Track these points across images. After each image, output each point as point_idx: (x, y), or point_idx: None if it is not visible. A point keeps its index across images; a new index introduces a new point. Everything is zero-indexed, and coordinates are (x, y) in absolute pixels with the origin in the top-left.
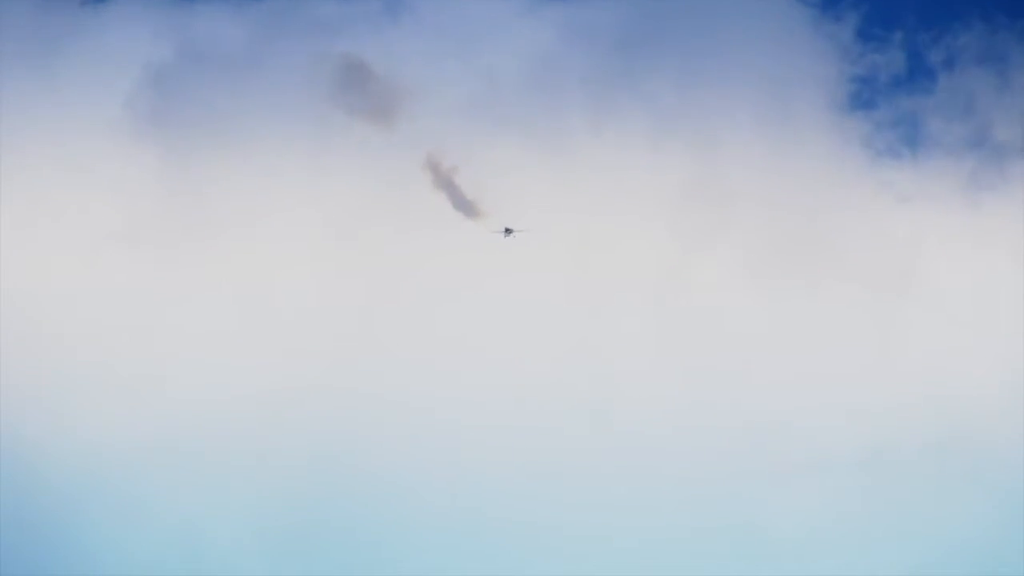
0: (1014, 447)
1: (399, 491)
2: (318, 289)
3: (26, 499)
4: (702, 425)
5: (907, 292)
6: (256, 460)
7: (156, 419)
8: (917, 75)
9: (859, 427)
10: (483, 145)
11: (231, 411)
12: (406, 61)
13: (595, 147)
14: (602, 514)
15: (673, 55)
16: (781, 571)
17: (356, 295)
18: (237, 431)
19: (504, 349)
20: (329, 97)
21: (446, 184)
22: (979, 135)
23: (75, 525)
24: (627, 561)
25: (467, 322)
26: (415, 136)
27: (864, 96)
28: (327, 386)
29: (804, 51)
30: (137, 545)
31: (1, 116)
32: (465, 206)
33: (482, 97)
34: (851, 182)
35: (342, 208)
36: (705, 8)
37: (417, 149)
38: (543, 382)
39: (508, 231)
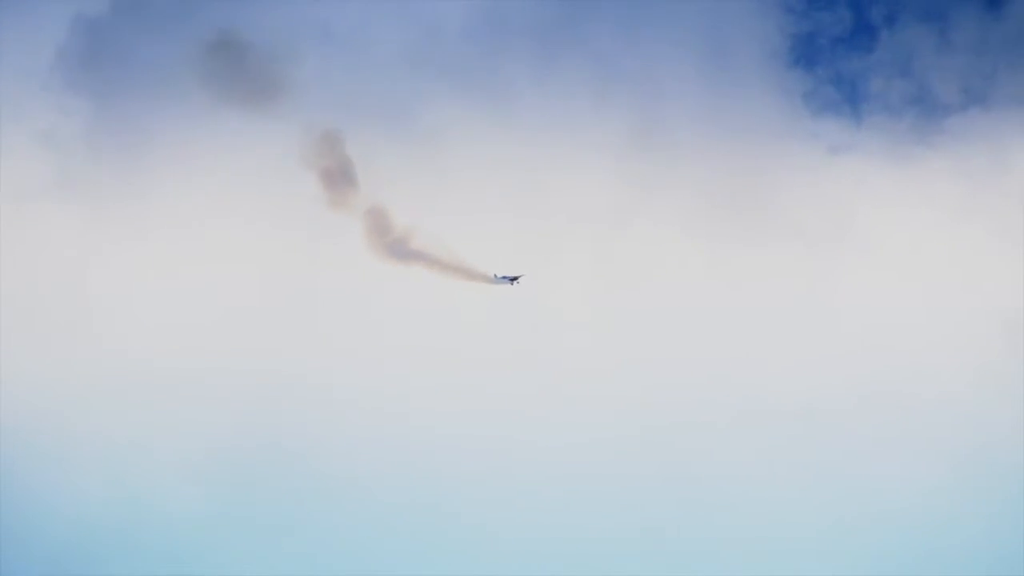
0: (946, 399)
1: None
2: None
3: None
4: (638, 375)
5: (843, 245)
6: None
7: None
8: (859, 33)
9: (795, 379)
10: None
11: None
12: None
13: (537, 98)
14: (542, 465)
15: (617, 7)
16: (718, 519)
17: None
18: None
19: (444, 296)
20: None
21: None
22: (918, 92)
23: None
24: (568, 510)
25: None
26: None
27: (806, 53)
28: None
29: (748, 7)
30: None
31: None
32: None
33: (423, 50)
34: (790, 137)
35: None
36: None
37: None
38: (482, 328)
39: (511, 279)
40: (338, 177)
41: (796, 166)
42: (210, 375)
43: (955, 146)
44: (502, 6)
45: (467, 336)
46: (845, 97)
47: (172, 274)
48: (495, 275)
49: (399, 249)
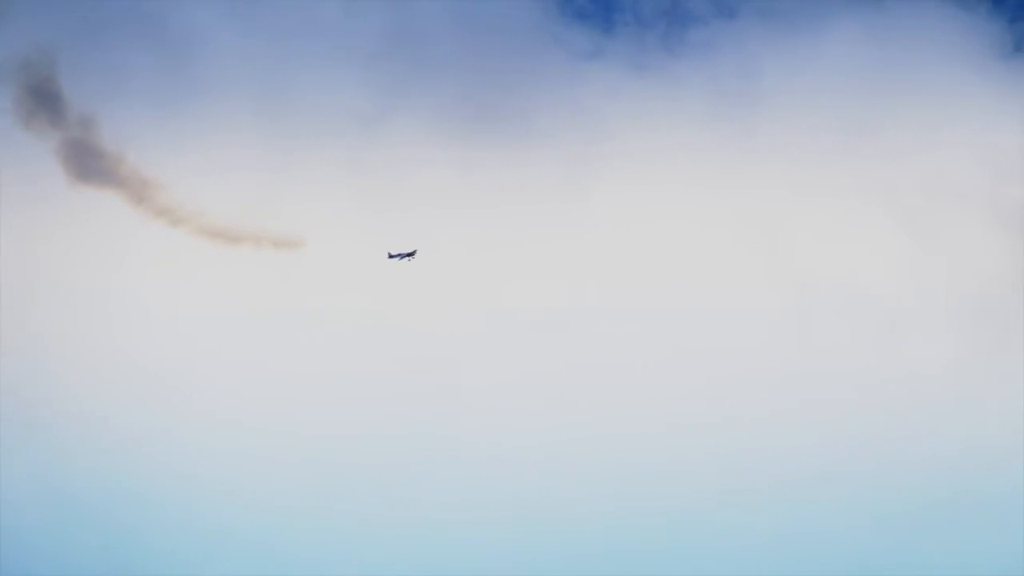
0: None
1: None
2: None
3: None
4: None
5: (596, 154)
6: None
7: None
8: None
9: (545, 289)
10: None
11: None
12: None
13: (287, 0)
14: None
15: None
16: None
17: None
18: None
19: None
20: None
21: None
22: (669, 3)
23: None
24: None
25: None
26: None
27: None
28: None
29: None
30: None
31: None
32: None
33: None
34: (543, 43)
35: None
36: None
37: None
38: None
39: (406, 255)
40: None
41: (548, 73)
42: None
43: (702, 57)
44: None
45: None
46: (598, 5)
47: None
48: (388, 253)
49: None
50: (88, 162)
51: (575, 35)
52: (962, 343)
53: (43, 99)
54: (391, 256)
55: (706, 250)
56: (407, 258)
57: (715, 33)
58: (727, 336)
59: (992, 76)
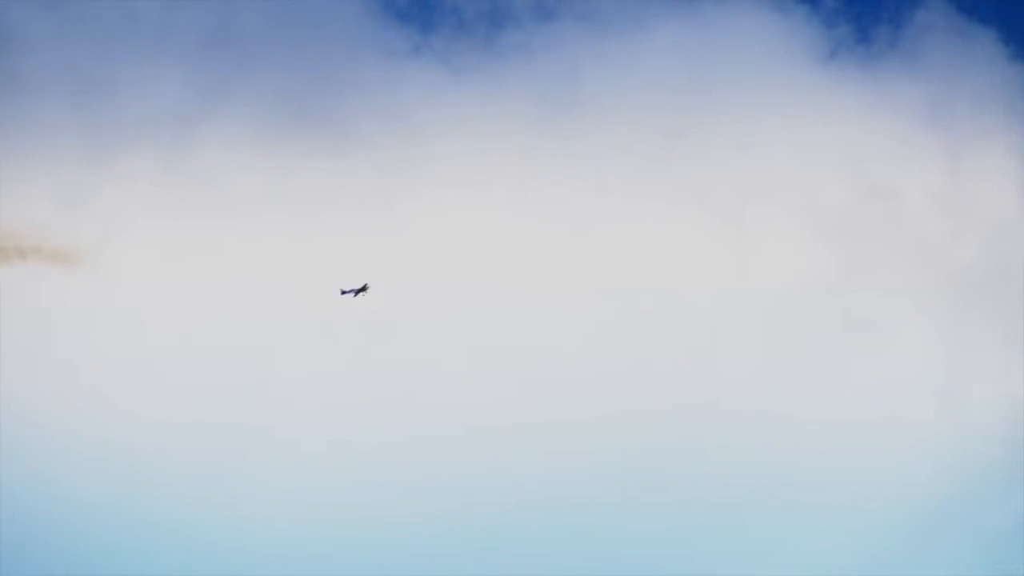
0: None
1: None
2: None
3: None
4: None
5: (416, 159)
6: None
7: None
8: None
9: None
10: None
11: None
12: None
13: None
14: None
15: None
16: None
17: None
18: None
19: None
20: None
21: None
22: (491, 6)
23: None
24: None
25: None
26: None
27: None
28: None
29: None
30: None
31: None
32: None
33: None
34: (364, 46)
35: None
36: None
37: None
38: None
39: (357, 291)
40: None
41: (369, 74)
42: None
43: (522, 60)
44: None
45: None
46: (418, 6)
47: None
48: (340, 289)
49: None
50: None
51: (395, 35)
52: (776, 346)
53: None
54: (343, 292)
55: (526, 253)
56: (359, 294)
57: (533, 36)
58: (547, 339)
59: (809, 81)
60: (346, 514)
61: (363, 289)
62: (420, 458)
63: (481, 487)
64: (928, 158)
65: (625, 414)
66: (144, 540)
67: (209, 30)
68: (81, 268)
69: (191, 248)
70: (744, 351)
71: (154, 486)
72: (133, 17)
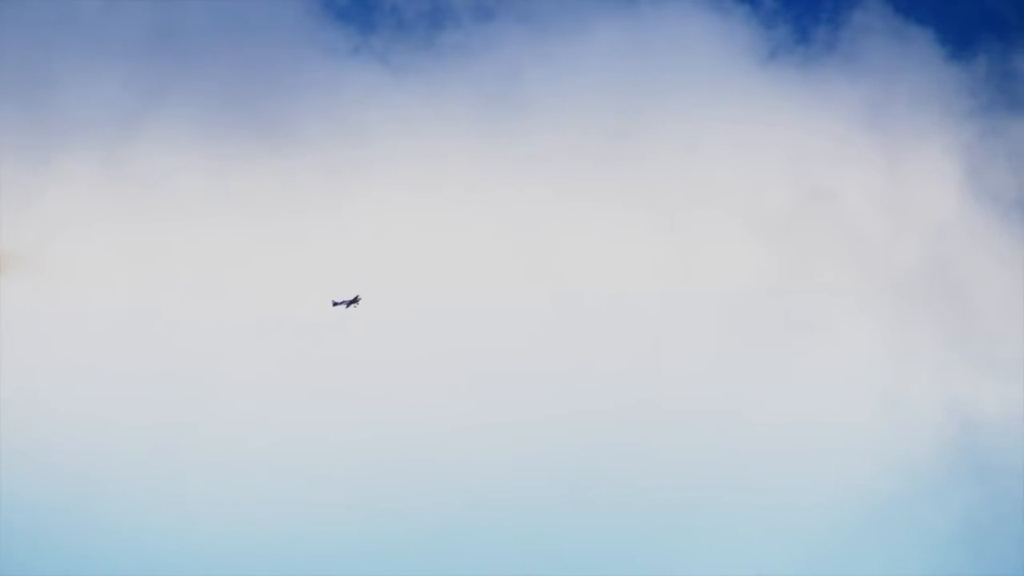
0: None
1: None
2: None
3: None
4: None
5: (357, 159)
6: None
7: None
8: None
9: (308, 295)
10: None
11: None
12: None
13: None
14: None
15: None
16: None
17: None
18: None
19: None
20: None
21: None
22: (431, 7)
23: None
24: None
25: None
26: None
27: None
28: None
29: None
30: None
31: None
32: None
33: None
34: (304, 46)
35: None
36: None
37: None
38: None
39: (348, 302)
40: None
41: (309, 74)
42: None
43: (463, 60)
44: None
45: None
46: (359, 6)
47: None
48: (332, 301)
49: None
50: None
51: (335, 35)
52: (720, 347)
53: None
54: (335, 304)
55: (472, 254)
56: (351, 305)
57: (473, 36)
58: (494, 340)
59: (749, 82)
60: (294, 513)
61: (355, 301)
62: (365, 458)
63: (430, 486)
64: (867, 159)
65: (571, 414)
66: (89, 542)
67: (149, 30)
68: (22, 270)
69: (134, 249)
70: (689, 351)
71: (98, 487)
72: (72, 17)
